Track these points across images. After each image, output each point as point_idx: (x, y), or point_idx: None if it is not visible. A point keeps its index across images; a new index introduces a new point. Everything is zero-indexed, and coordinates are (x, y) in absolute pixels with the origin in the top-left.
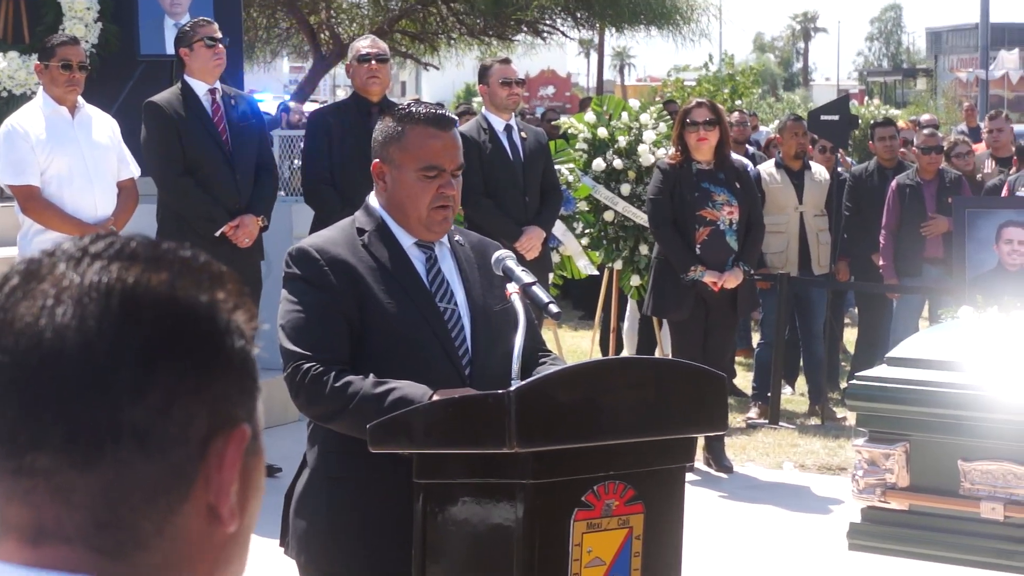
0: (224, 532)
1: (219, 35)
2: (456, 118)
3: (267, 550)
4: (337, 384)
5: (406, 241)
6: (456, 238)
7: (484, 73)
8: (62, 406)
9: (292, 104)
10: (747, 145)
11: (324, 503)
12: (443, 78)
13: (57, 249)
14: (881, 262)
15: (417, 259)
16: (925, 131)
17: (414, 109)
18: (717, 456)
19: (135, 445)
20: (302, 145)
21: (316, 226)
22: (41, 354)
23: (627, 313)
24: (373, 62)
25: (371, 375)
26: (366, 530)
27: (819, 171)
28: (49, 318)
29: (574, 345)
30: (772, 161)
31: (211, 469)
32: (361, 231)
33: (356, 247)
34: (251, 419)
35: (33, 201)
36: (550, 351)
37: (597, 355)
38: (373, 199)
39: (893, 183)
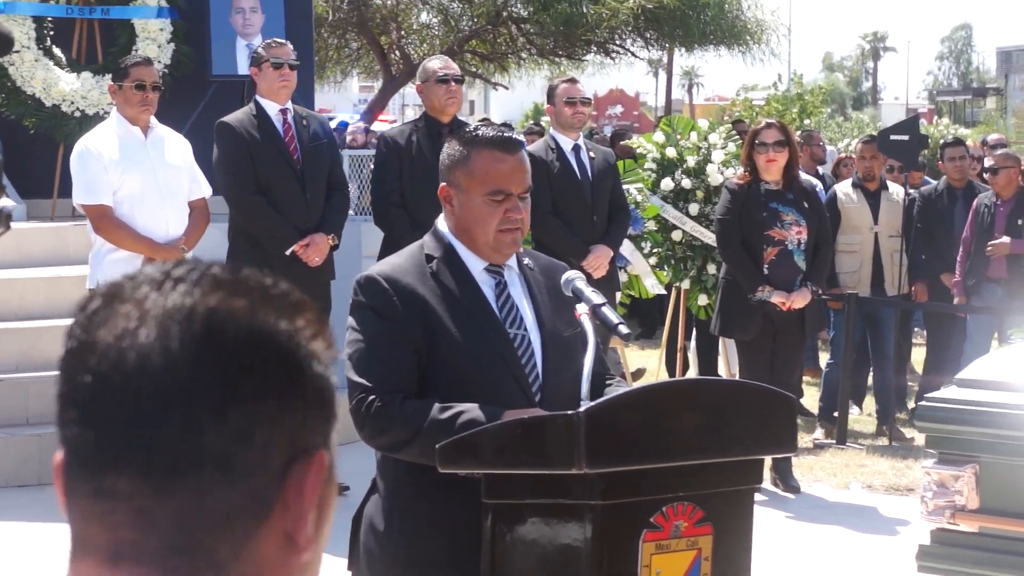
0: (298, 559)
1: (289, 58)
2: (524, 140)
3: (334, 571)
4: (402, 414)
5: (475, 266)
6: (525, 261)
7: (551, 93)
8: (144, 429)
9: (352, 125)
10: (818, 166)
11: (396, 529)
12: (512, 98)
13: (139, 273)
14: (955, 279)
15: (486, 284)
16: (999, 151)
17: (480, 132)
18: (784, 476)
19: (216, 470)
20: (371, 165)
21: (385, 247)
22: (123, 375)
23: (694, 332)
24: (452, 83)
25: (435, 401)
26: (439, 557)
27: (897, 191)
28: (132, 339)
29: (640, 364)
30: (849, 181)
31: (289, 496)
32: (430, 258)
33: (424, 275)
34: (328, 446)
35: (105, 220)
36: (614, 375)
37: (664, 375)
38: (441, 223)
39: (976, 202)
